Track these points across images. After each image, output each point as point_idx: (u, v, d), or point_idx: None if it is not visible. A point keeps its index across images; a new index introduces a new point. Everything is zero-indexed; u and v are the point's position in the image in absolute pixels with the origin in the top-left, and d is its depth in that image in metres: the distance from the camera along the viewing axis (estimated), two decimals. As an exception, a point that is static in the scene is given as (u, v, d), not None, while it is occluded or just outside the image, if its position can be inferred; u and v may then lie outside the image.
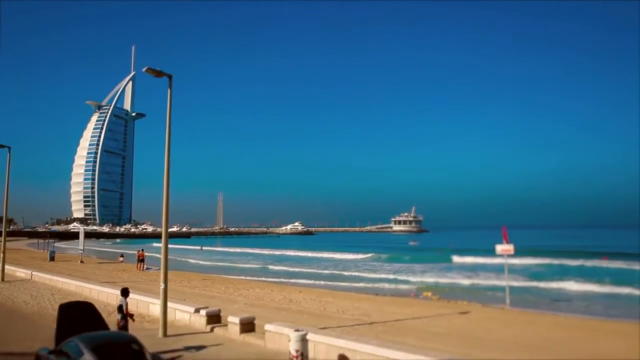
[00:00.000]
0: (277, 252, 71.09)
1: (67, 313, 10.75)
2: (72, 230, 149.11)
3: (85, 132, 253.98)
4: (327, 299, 22.66)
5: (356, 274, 40.67)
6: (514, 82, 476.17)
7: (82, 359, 8.36)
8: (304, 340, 9.98)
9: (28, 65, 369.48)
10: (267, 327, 12.31)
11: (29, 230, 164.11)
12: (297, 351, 9.89)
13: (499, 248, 24.65)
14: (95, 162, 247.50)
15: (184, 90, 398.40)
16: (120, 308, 12.19)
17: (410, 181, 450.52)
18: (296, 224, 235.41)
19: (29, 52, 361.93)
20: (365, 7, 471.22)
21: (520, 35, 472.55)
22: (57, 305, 13.23)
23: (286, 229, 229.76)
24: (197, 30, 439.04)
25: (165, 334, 13.72)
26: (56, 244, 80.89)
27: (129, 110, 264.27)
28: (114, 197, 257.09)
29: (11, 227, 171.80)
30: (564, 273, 36.27)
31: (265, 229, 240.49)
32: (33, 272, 29.31)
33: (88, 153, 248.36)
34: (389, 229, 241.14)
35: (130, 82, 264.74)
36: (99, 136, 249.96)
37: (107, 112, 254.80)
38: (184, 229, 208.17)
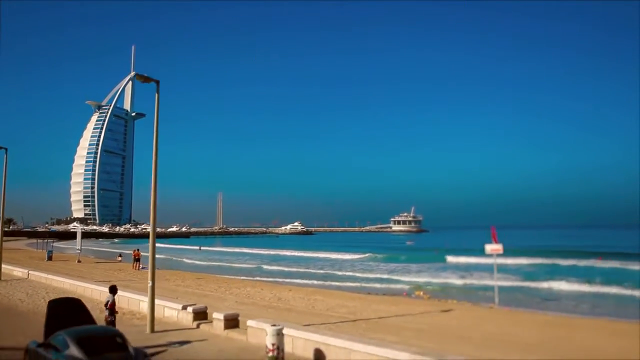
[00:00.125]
0: (274, 252, 71.57)
1: (55, 309, 11.30)
2: (71, 230, 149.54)
3: (85, 132, 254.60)
4: (316, 297, 23.19)
5: (350, 273, 41.09)
6: (514, 82, 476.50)
7: (68, 351, 8.90)
8: (279, 335, 10.47)
9: (28, 65, 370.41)
10: (249, 323, 12.83)
11: (29, 230, 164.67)
12: (273, 345, 10.38)
13: (489, 248, 24.97)
14: (95, 162, 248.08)
15: (184, 90, 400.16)
16: (107, 304, 12.70)
17: (410, 181, 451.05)
18: (296, 224, 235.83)
19: (29, 52, 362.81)
20: (365, 7, 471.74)
21: (520, 35, 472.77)
22: (50, 302, 13.72)
23: (285, 229, 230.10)
24: (197, 30, 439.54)
25: (152, 330, 14.23)
26: (55, 244, 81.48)
27: (129, 110, 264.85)
28: (114, 197, 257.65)
29: (11, 227, 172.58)
30: (556, 273, 36.66)
31: (264, 229, 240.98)
32: (30, 271, 29.85)
33: (88, 153, 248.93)
34: (388, 229, 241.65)
35: (130, 82, 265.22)
36: (99, 136, 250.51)
37: (107, 112, 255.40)
38: (184, 229, 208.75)
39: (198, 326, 14.72)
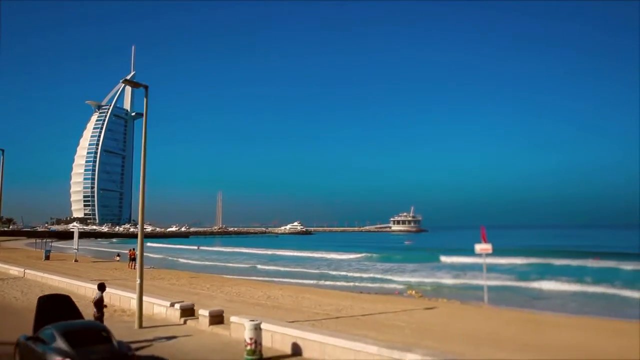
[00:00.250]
0: (271, 252, 71.96)
1: (45, 305, 11.89)
2: (71, 230, 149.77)
3: (85, 132, 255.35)
4: (305, 295, 23.72)
5: (344, 273, 41.47)
6: (514, 82, 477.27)
7: (55, 343, 9.48)
8: (257, 329, 10.99)
9: (28, 65, 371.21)
10: (232, 318, 13.37)
11: (28, 230, 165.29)
12: (251, 339, 10.90)
13: (478, 247, 25.30)
14: (95, 161, 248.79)
15: (184, 90, 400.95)
16: (95, 302, 13.24)
17: (410, 181, 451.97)
18: (295, 223, 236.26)
19: (29, 52, 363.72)
20: (365, 7, 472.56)
21: (520, 35, 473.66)
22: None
23: (285, 229, 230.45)
24: (197, 30, 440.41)
25: (140, 326, 14.77)
26: (54, 244, 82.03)
27: (129, 110, 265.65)
28: (114, 197, 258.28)
29: (10, 226, 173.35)
30: (549, 273, 37.03)
31: (264, 229, 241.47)
32: (26, 270, 30.38)
33: (88, 153, 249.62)
34: (387, 229, 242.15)
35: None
36: (99, 136, 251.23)
37: (107, 112, 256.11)
38: (183, 229, 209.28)
39: (185, 322, 15.25)
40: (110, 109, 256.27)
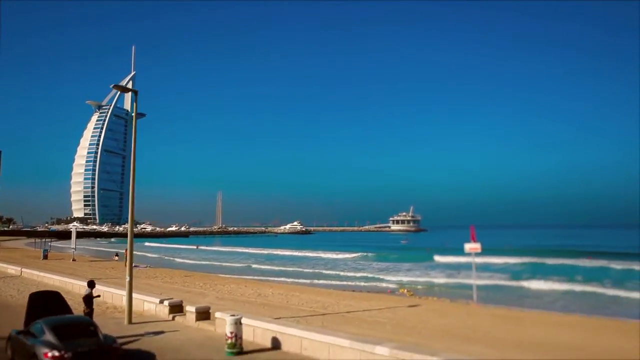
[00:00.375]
0: (268, 252, 72.43)
1: (36, 301, 12.51)
2: (71, 229, 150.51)
3: (85, 132, 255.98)
4: (294, 293, 24.27)
5: (337, 272, 42.00)
6: (514, 82, 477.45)
7: (44, 337, 10.09)
8: (237, 324, 11.54)
9: (28, 65, 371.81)
10: (216, 314, 13.94)
11: (28, 229, 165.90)
12: (231, 332, 11.47)
13: (467, 247, 25.50)
14: (95, 161, 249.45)
15: (184, 90, 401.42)
16: (84, 298, 13.80)
17: (410, 181, 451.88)
18: (295, 223, 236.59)
19: (29, 52, 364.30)
20: (365, 7, 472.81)
21: (520, 35, 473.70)
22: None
23: (285, 228, 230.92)
24: (197, 30, 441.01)
25: (130, 322, 15.35)
26: (54, 244, 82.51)
27: (129, 110, 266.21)
28: (114, 197, 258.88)
29: (10, 226, 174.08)
30: (541, 272, 37.45)
31: (263, 229, 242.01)
32: (23, 269, 31.00)
33: (88, 153, 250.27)
34: (387, 229, 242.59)
35: (130, 82, 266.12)
36: (99, 136, 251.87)
37: (107, 111, 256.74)
38: (183, 229, 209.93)
39: (173, 318, 15.82)
40: (111, 109, 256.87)
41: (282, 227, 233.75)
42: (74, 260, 46.07)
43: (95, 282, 15.24)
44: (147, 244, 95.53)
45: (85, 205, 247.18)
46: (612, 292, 28.10)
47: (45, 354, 9.50)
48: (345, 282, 34.57)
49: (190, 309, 15.21)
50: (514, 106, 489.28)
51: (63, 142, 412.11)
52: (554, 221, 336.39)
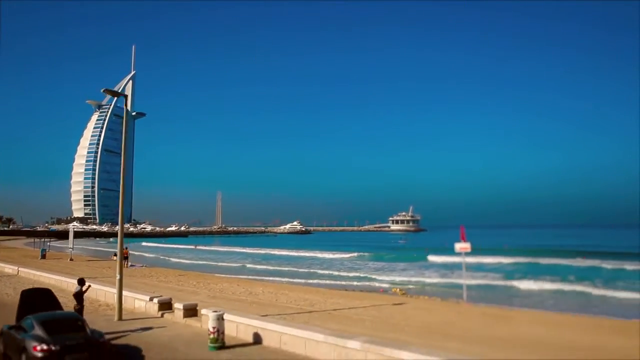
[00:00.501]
0: (266, 252, 72.85)
1: (27, 297, 13.07)
2: (73, 229, 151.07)
3: (85, 132, 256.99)
4: (284, 292, 24.79)
5: (332, 272, 42.36)
6: (513, 81, 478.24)
7: (34, 331, 10.63)
8: (219, 319, 12.06)
9: (28, 65, 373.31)
10: (202, 311, 14.44)
11: (28, 229, 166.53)
12: (214, 328, 11.99)
13: (458, 246, 25.74)
14: (95, 161, 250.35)
15: (184, 90, 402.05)
16: (75, 294, 14.34)
17: (410, 181, 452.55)
18: (295, 223, 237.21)
19: (29, 52, 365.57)
20: (365, 7, 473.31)
21: (520, 34, 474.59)
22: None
23: (284, 228, 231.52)
24: (197, 30, 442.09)
25: (120, 318, 15.88)
26: (54, 243, 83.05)
27: (130, 109, 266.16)
28: (114, 197, 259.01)
29: (10, 226, 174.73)
30: (534, 272, 37.82)
31: (263, 229, 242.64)
32: (20, 268, 31.59)
33: (88, 152, 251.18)
34: (386, 229, 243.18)
35: (131, 82, 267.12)
36: (99, 135, 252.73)
37: (107, 111, 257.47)
38: (182, 229, 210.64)
39: (162, 315, 16.34)
40: (111, 109, 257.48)
41: (281, 227, 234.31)
42: (71, 260, 46.59)
43: (86, 279, 15.75)
44: (144, 243, 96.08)
45: (85, 205, 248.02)
46: (598, 291, 28.51)
47: (35, 347, 10.01)
48: (338, 282, 35.05)
49: (178, 306, 15.75)
50: (514, 105, 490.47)
51: (63, 142, 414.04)
52: (554, 221, 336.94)
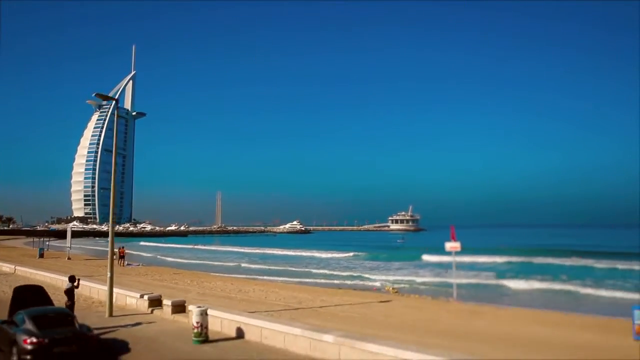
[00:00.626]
0: (264, 251, 73.41)
1: (19, 294, 13.62)
2: (71, 229, 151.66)
3: (85, 132, 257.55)
4: (274, 290, 25.36)
5: (326, 271, 42.81)
6: (513, 81, 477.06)
7: (24, 325, 11.18)
8: (203, 315, 12.59)
9: (28, 65, 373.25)
10: (189, 307, 14.97)
11: (28, 229, 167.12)
12: (197, 322, 12.52)
13: (448, 245, 26.17)
14: (95, 161, 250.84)
15: (184, 90, 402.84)
16: (66, 291, 14.89)
17: (410, 180, 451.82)
18: (294, 222, 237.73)
19: (29, 52, 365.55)
20: (365, 7, 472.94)
21: (520, 34, 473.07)
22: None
23: (284, 228, 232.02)
24: (197, 30, 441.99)
25: (111, 314, 16.43)
26: (53, 243, 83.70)
27: (130, 109, 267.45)
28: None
29: (10, 225, 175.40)
30: (526, 271, 38.18)
31: (262, 228, 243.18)
32: (17, 267, 32.20)
33: (88, 152, 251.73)
34: (386, 228, 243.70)
35: (131, 82, 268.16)
36: (100, 135, 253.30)
37: (108, 111, 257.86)
38: (182, 228, 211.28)
39: (152, 311, 16.87)
40: (111, 109, 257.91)
41: (281, 227, 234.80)
42: (69, 259, 47.18)
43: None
44: (142, 243, 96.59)
45: (85, 205, 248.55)
46: (585, 290, 28.95)
47: (25, 341, 10.55)
48: (332, 281, 35.55)
49: (166, 302, 16.29)
50: (514, 105, 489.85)
51: (63, 142, 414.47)
52: (554, 221, 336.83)
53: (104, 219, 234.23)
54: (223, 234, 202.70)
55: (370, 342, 9.79)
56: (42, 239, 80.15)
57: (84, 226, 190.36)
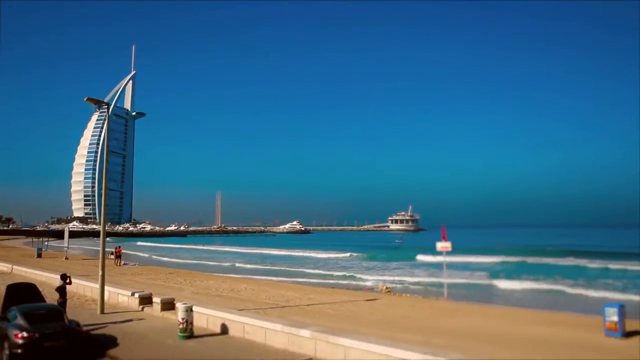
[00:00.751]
0: (262, 251, 73.74)
1: (12, 291, 14.17)
2: (70, 229, 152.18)
3: (85, 132, 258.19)
4: (265, 289, 25.84)
5: (321, 271, 43.27)
6: (514, 81, 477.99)
7: (16, 321, 11.74)
8: (188, 311, 13.09)
9: (28, 65, 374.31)
10: (177, 305, 15.38)
11: (28, 229, 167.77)
12: (182, 319, 13.02)
13: (439, 245, 26.71)
14: (95, 161, 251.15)
15: (184, 90, 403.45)
16: (57, 289, 15.41)
17: (410, 180, 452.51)
18: (294, 222, 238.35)
19: (29, 52, 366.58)
20: (365, 7, 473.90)
21: (520, 34, 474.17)
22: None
23: (284, 228, 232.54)
24: (197, 30, 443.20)
25: (102, 312, 16.94)
26: (52, 243, 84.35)
27: (129, 109, 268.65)
28: (114, 196, 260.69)
29: (10, 225, 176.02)
30: (519, 271, 38.56)
31: (262, 228, 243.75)
32: (14, 267, 32.73)
33: (88, 152, 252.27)
34: (385, 228, 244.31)
35: (131, 82, 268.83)
36: (100, 135, 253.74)
37: (108, 111, 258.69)
38: (182, 228, 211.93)
39: (142, 309, 17.39)
40: (111, 109, 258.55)
41: (281, 227, 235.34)
42: (66, 258, 47.69)
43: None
44: (139, 243, 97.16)
45: (85, 205, 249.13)
46: (573, 290, 29.32)
47: (16, 335, 11.09)
48: (326, 280, 36.04)
49: (156, 300, 16.80)
50: (514, 105, 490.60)
51: (63, 142, 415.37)
52: (554, 221, 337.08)
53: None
54: (222, 234, 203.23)
55: (343, 336, 10.29)
56: (41, 239, 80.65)
57: (84, 226, 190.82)
